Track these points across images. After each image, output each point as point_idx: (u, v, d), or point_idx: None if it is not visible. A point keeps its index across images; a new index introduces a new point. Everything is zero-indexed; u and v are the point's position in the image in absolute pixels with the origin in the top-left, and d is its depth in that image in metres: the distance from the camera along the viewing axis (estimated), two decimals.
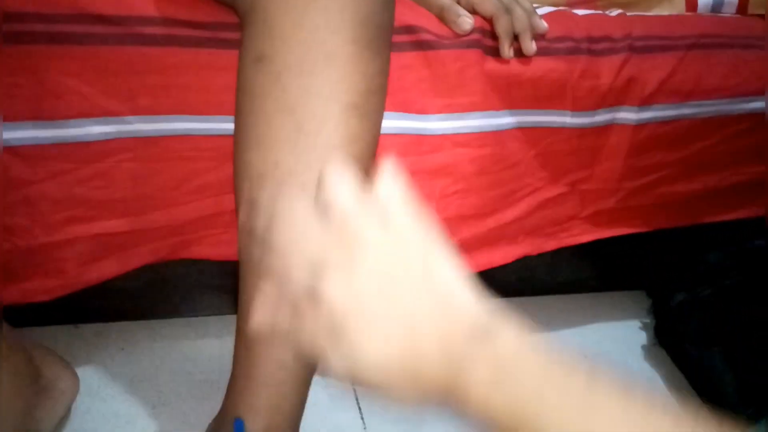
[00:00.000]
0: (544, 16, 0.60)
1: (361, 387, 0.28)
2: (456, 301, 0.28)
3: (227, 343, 0.45)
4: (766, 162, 0.72)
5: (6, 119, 0.45)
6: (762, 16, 0.71)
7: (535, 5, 0.63)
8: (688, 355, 0.74)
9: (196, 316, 0.67)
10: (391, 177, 0.30)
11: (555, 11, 0.63)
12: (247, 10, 0.41)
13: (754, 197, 0.78)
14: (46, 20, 0.43)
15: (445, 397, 0.28)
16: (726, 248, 0.78)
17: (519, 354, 0.27)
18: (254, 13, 0.40)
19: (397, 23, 0.50)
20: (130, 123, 0.48)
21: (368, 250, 0.28)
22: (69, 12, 0.43)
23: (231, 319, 0.45)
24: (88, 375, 0.56)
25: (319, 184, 0.30)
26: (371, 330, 0.27)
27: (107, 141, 0.48)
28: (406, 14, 0.52)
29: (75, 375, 0.53)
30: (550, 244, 0.69)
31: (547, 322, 0.79)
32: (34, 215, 0.49)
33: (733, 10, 0.73)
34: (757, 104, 0.69)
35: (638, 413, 0.25)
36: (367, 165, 0.43)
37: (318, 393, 0.59)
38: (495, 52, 0.56)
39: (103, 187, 0.50)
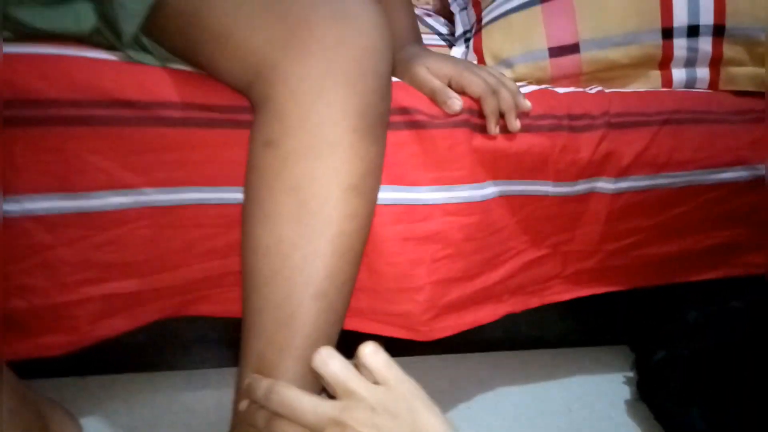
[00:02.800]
0: (527, 95, 0.65)
1: None
2: None
3: (226, 395, 0.47)
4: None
5: (33, 191, 0.49)
6: (732, 92, 0.77)
7: (519, 84, 0.68)
8: (667, 412, 0.76)
9: (197, 368, 0.69)
10: (375, 351, 0.39)
11: (538, 89, 0.68)
12: (261, 99, 0.45)
13: (728, 259, 0.83)
14: (77, 105, 0.47)
15: None
16: (705, 308, 0.81)
17: None
18: (267, 103, 0.45)
19: (392, 105, 0.55)
20: (146, 194, 0.52)
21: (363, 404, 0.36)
22: (97, 98, 0.47)
23: (230, 372, 0.47)
24: (92, 425, 0.59)
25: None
26: None
27: (124, 210, 0.52)
28: (401, 96, 0.57)
29: (79, 427, 0.55)
30: (534, 302, 0.73)
31: (532, 376, 0.82)
32: (50, 277, 0.52)
33: (705, 86, 0.78)
34: (729, 174, 0.74)
35: None
36: (363, 237, 0.47)
37: None
38: (482, 130, 0.61)
39: (117, 252, 0.54)
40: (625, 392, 0.83)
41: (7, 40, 0.47)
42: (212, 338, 0.68)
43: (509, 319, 0.72)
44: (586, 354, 0.88)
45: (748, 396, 0.69)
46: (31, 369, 0.52)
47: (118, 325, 0.57)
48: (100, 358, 0.65)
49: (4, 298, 0.51)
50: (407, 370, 0.77)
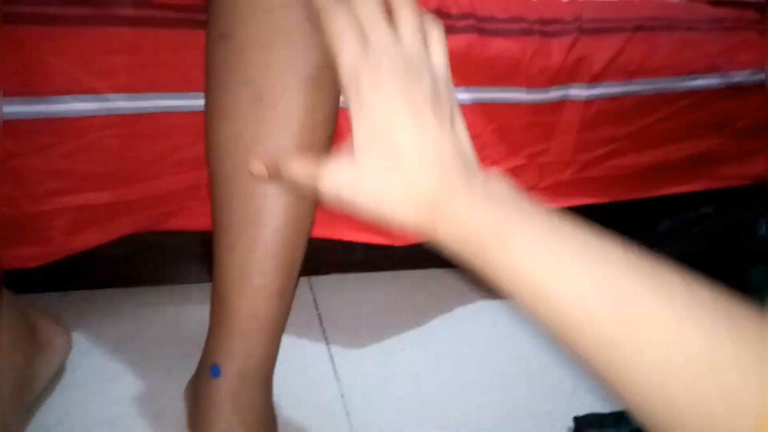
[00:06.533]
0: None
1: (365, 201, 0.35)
2: (468, 148, 0.37)
3: (207, 310, 0.49)
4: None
5: None
6: (706, 2, 0.76)
7: None
8: None
9: (179, 283, 0.71)
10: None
11: None
12: None
13: (705, 171, 0.84)
14: (32, 2, 0.46)
15: (431, 215, 0.34)
16: (677, 217, 0.83)
17: (501, 189, 0.33)
18: None
19: None
20: (111, 100, 0.51)
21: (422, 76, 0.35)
22: None
23: (211, 287, 0.48)
24: (77, 336, 0.60)
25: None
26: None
27: (90, 117, 0.52)
28: None
29: (68, 334, 0.57)
30: None
31: None
32: (20, 186, 0.52)
33: None
34: (701, 82, 0.74)
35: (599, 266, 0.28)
36: (327, 132, 0.47)
37: (293, 352, 0.64)
38: (451, 32, 0.60)
39: (87, 161, 0.54)
40: None
41: None
42: (194, 253, 0.69)
43: None
44: None
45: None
46: (14, 284, 0.53)
47: (91, 237, 0.58)
48: (84, 273, 0.66)
49: None
50: (392, 283, 0.79)
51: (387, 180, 0.34)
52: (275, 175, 0.40)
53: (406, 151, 0.34)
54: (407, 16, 0.37)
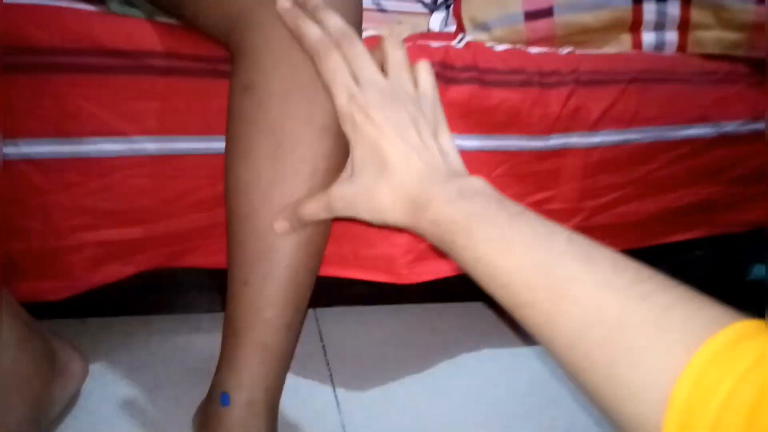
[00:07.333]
0: (501, 53, 0.69)
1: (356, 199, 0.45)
2: (452, 156, 0.46)
3: (216, 338, 0.51)
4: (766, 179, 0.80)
5: (29, 135, 0.52)
6: (699, 55, 0.80)
7: (494, 44, 0.72)
8: None
9: (190, 312, 0.73)
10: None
11: (512, 48, 0.72)
12: (238, 47, 0.49)
13: (707, 218, 0.86)
14: (70, 54, 0.51)
15: (414, 212, 0.42)
16: (674, 260, 0.85)
17: (476, 187, 0.41)
18: (244, 50, 0.48)
19: None
20: (137, 142, 0.55)
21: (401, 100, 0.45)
22: (89, 47, 0.51)
23: (221, 317, 0.51)
24: (92, 362, 0.63)
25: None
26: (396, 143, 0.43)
27: (116, 158, 0.55)
28: None
29: (84, 360, 0.59)
30: None
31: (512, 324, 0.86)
32: (47, 221, 0.56)
33: (674, 49, 0.81)
34: (694, 131, 0.78)
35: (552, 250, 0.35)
36: (338, 175, 0.51)
37: (297, 382, 0.67)
38: (455, 83, 0.64)
39: (110, 199, 0.57)
40: None
41: None
42: (205, 284, 0.71)
43: None
44: None
45: None
46: (35, 310, 0.56)
47: (110, 272, 0.61)
48: (100, 302, 0.68)
49: (4, 239, 0.55)
50: (393, 317, 0.82)
51: (378, 188, 0.43)
52: (297, 225, 0.47)
53: (392, 164, 0.43)
54: (391, 54, 0.48)
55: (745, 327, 0.27)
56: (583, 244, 0.34)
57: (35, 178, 0.54)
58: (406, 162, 0.43)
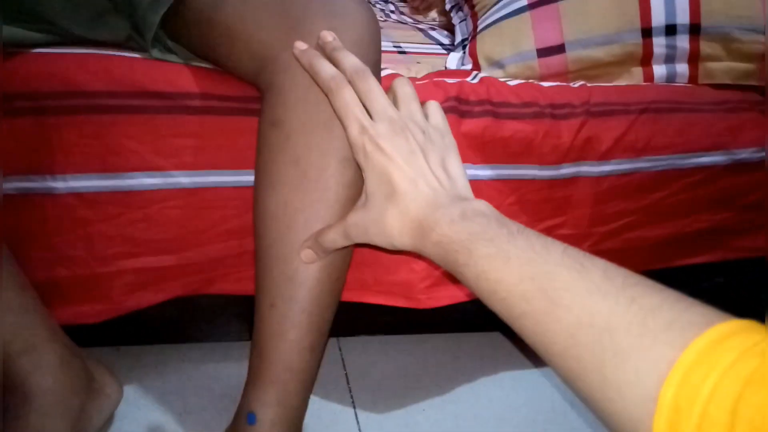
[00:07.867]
0: (514, 87, 0.72)
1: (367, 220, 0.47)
2: (460, 182, 0.49)
3: (245, 366, 0.53)
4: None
5: (76, 171, 0.57)
6: (710, 85, 0.82)
7: (507, 79, 0.75)
8: None
9: (220, 341, 0.76)
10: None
11: (524, 82, 0.75)
12: (267, 86, 0.53)
13: (721, 243, 0.87)
14: (115, 96, 0.56)
15: (421, 235, 0.44)
16: (694, 287, 0.85)
17: (479, 209, 0.43)
18: (272, 89, 0.52)
19: None
20: (173, 176, 0.59)
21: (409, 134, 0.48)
22: (132, 89, 0.56)
23: (249, 345, 0.53)
24: (126, 388, 0.65)
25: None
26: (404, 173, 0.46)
27: (154, 191, 0.59)
28: None
29: (119, 383, 0.62)
30: None
31: (531, 355, 0.86)
32: (90, 249, 0.60)
33: (686, 80, 0.83)
34: (706, 159, 0.79)
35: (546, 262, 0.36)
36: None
37: (321, 408, 0.68)
38: (469, 116, 0.68)
39: (147, 229, 0.61)
40: None
41: (57, 43, 0.56)
42: (233, 313, 0.74)
43: None
44: None
45: None
46: (76, 338, 0.59)
47: (146, 297, 0.64)
48: (135, 330, 0.72)
49: (50, 267, 0.59)
50: (414, 346, 0.83)
51: (387, 213, 0.46)
52: (321, 253, 0.50)
53: (399, 190, 0.45)
54: (400, 89, 0.52)
55: (731, 326, 0.28)
56: (577, 256, 0.36)
57: (80, 210, 0.58)
58: (413, 188, 0.45)
